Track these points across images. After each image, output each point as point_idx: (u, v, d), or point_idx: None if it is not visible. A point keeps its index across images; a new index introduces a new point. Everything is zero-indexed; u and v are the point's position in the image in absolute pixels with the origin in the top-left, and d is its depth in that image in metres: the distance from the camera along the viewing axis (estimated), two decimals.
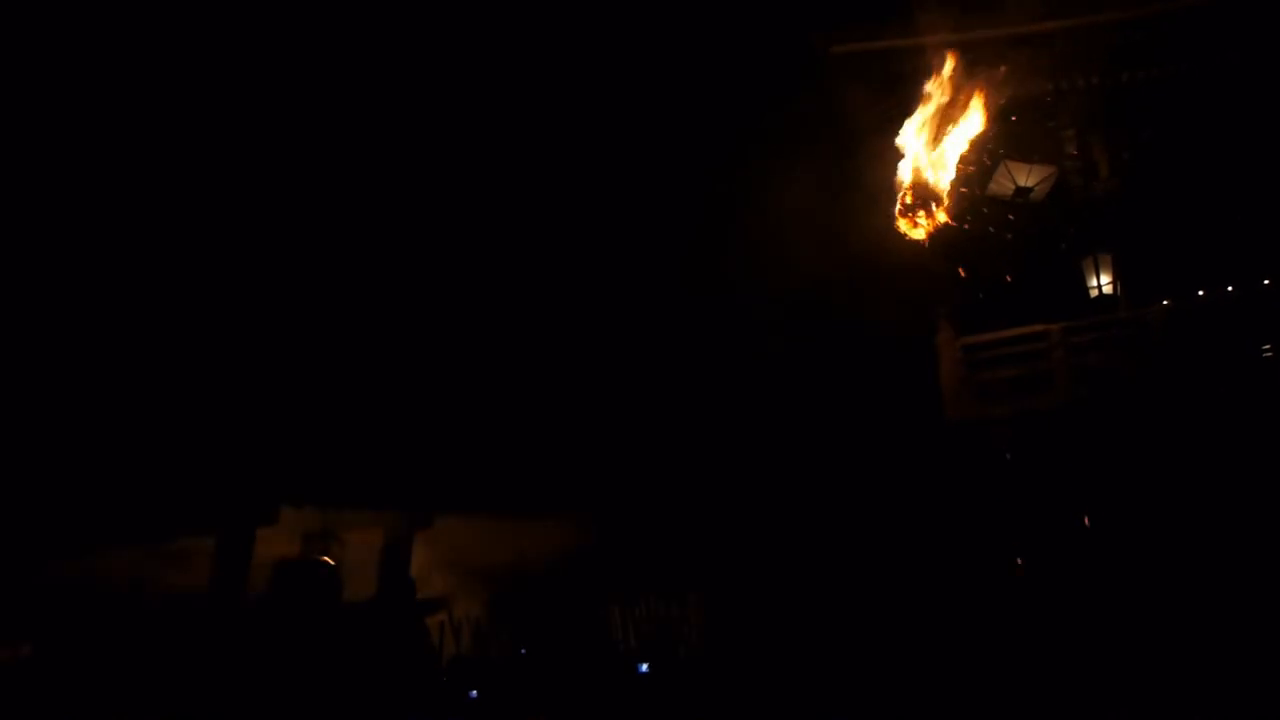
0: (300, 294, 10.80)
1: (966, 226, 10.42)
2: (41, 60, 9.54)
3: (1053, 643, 9.09)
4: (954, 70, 7.41)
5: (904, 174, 7.49)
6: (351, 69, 10.52)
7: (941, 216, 9.15)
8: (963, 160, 7.16)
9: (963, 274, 10.28)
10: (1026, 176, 11.22)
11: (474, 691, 10.34)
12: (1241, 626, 8.75)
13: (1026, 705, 8.62)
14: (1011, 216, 10.95)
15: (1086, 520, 9.81)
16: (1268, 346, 10.13)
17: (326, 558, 10.89)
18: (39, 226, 9.66)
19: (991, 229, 10.81)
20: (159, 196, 9.95)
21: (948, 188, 8.74)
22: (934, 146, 7.68)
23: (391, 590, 11.31)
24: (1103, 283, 11.18)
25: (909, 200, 9.61)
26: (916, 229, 9.74)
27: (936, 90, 7.41)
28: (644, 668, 10.89)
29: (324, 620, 10.35)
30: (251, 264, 10.58)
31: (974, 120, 7.62)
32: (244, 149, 10.21)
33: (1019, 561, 9.66)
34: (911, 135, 7.65)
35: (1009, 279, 11.18)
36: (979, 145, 7.40)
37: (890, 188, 8.61)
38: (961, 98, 7.49)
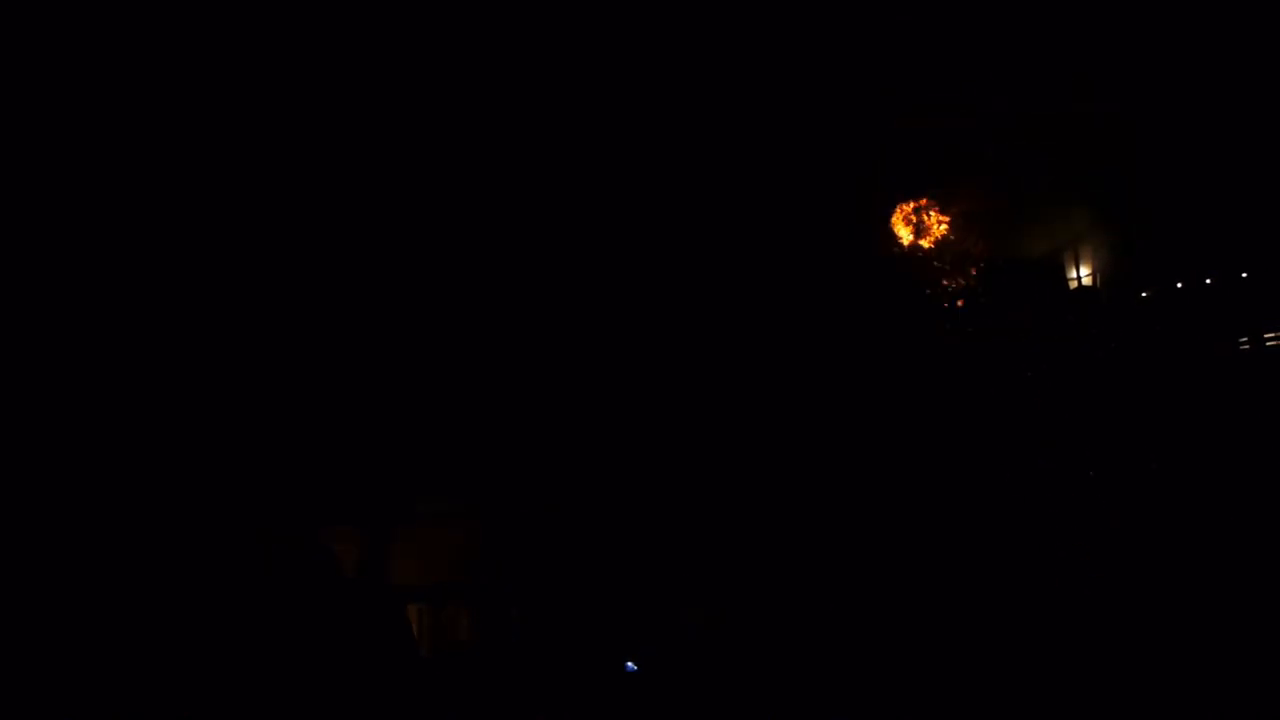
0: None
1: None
2: (40, 59, 9.08)
3: None
4: None
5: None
6: (357, 64, 10.12)
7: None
8: None
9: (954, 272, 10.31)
10: None
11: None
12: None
13: None
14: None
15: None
16: (1244, 339, 10.32)
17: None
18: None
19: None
20: (151, 199, 9.57)
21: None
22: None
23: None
24: (1082, 274, 11.29)
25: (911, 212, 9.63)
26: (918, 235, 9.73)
27: None
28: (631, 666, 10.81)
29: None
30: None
31: None
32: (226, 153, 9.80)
33: None
34: None
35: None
36: None
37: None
38: None
